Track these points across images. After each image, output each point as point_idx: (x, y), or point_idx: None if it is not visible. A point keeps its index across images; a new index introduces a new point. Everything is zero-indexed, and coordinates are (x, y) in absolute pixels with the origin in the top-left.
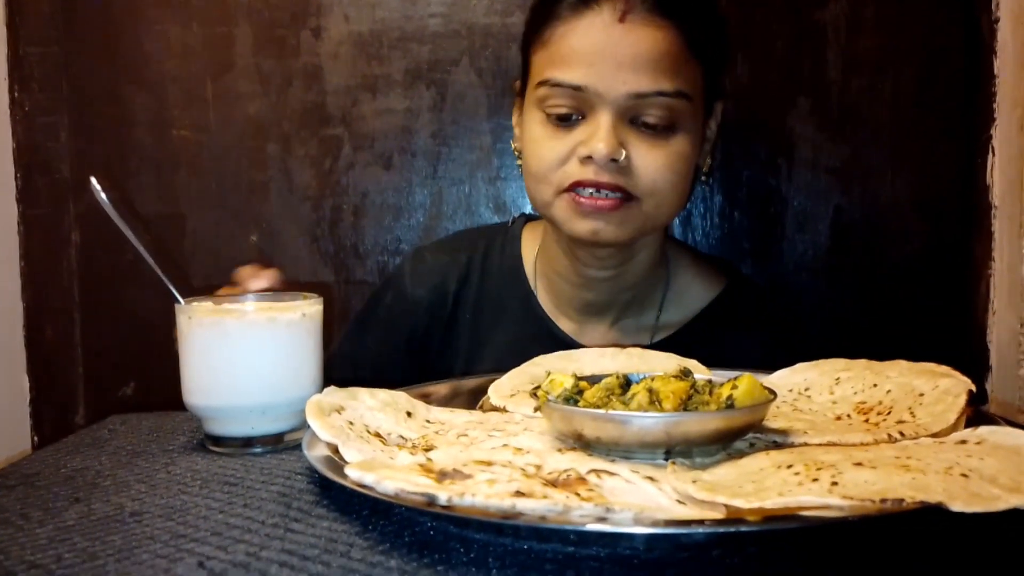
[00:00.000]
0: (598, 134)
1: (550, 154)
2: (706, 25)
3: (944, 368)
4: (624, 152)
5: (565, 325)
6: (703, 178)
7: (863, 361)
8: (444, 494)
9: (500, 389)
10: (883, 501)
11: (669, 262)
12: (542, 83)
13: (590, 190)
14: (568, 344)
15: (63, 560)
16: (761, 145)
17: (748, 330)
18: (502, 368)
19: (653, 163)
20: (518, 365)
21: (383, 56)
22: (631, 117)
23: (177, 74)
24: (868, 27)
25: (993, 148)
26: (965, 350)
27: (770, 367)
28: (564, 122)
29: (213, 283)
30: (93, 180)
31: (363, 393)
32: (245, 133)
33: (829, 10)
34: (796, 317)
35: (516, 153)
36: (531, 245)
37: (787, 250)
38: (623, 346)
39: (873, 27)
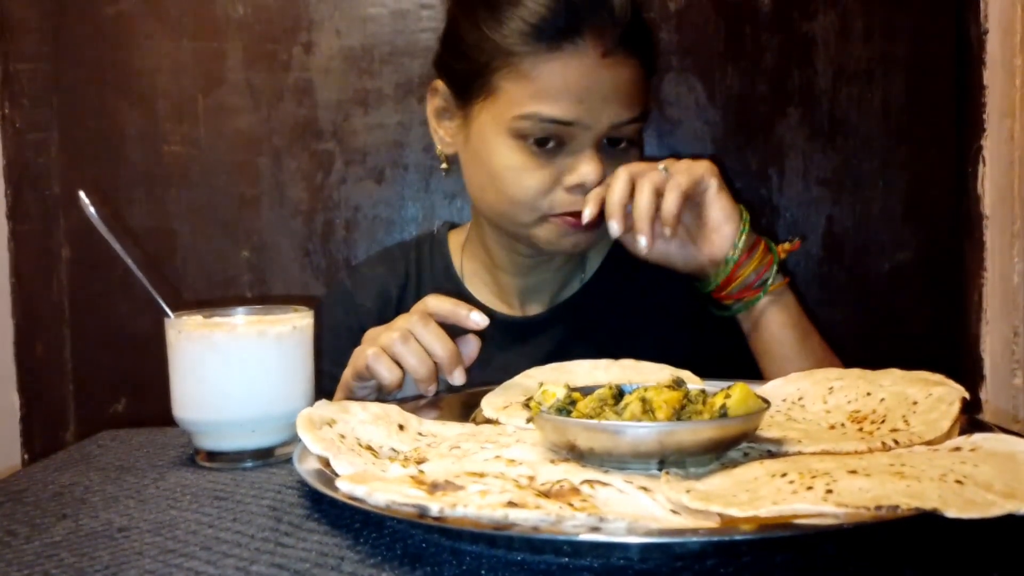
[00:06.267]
0: (585, 163)
1: (534, 183)
2: (652, 46)
3: (937, 376)
4: (606, 175)
5: (505, 310)
6: None
7: (856, 370)
8: (436, 505)
9: (493, 401)
10: (878, 508)
11: None
12: (526, 116)
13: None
14: (511, 325)
15: None
16: (752, 156)
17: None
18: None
19: None
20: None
21: (374, 71)
22: (603, 140)
23: (168, 89)
24: (858, 38)
25: (984, 158)
26: (958, 359)
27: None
28: (541, 147)
29: (204, 298)
30: (82, 194)
31: (354, 406)
32: (236, 148)
33: (819, 21)
34: None
35: (443, 158)
36: (456, 248)
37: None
38: (616, 358)
39: (863, 38)
